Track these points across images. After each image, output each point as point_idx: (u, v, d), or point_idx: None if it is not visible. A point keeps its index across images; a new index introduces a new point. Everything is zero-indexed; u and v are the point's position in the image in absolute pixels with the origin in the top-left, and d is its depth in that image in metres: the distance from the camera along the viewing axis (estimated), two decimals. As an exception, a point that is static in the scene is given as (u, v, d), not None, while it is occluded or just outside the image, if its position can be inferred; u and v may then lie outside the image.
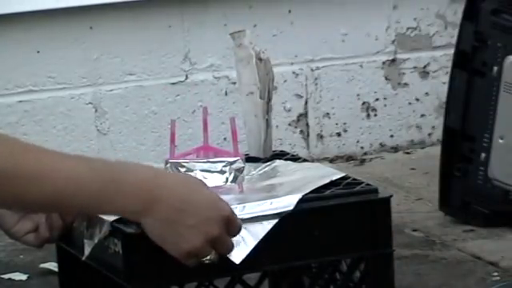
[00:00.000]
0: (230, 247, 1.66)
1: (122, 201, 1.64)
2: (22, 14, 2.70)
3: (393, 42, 2.93)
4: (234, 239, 1.66)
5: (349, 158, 2.86)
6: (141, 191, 1.66)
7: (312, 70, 2.87)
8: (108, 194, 1.65)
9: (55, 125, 2.29)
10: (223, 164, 1.82)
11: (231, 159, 1.81)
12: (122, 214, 1.64)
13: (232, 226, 1.65)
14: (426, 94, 2.90)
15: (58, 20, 2.75)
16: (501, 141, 2.43)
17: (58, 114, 2.50)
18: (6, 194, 1.60)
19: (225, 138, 2.42)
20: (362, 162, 2.85)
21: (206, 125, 1.83)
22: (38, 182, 1.62)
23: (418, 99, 2.93)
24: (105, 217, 1.68)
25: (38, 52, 2.70)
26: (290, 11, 2.88)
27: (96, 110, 2.73)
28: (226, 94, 2.62)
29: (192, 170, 1.79)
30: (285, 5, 2.87)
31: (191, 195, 1.68)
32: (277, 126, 2.43)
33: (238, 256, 1.69)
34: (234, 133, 1.78)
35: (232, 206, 1.69)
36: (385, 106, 2.94)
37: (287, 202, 1.71)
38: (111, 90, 2.72)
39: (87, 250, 1.73)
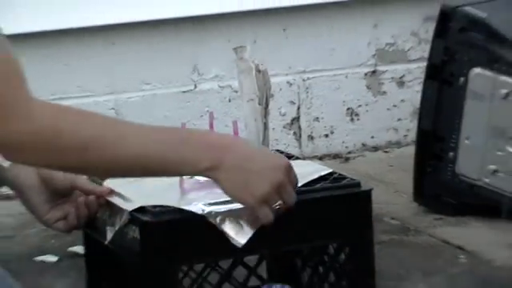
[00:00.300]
0: (293, 196, 1.63)
1: (194, 161, 1.62)
2: (52, 32, 2.70)
3: (373, 56, 2.93)
4: (236, 228, 1.66)
5: (335, 156, 2.86)
6: (210, 148, 1.63)
7: (304, 80, 2.88)
8: (181, 155, 1.63)
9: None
10: None
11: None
12: (195, 173, 1.64)
13: (292, 174, 1.64)
14: (402, 100, 2.90)
15: (85, 37, 2.75)
16: (466, 141, 2.44)
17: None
18: (98, 160, 1.59)
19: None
20: (347, 159, 2.86)
21: (212, 127, 1.84)
22: (123, 146, 1.61)
23: (395, 105, 2.93)
24: (124, 207, 1.70)
25: (66, 65, 2.68)
26: (284, 29, 2.88)
27: (117, 115, 2.71)
28: (230, 100, 2.61)
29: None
30: (280, 24, 2.87)
31: (253, 150, 1.70)
32: (273, 129, 2.42)
33: (240, 240, 1.67)
34: (236, 134, 1.78)
35: None
36: (366, 111, 2.94)
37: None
38: (130, 98, 2.72)
39: (109, 236, 1.74)
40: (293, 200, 1.62)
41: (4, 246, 2.32)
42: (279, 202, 1.60)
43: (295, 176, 1.64)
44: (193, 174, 1.64)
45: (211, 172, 1.59)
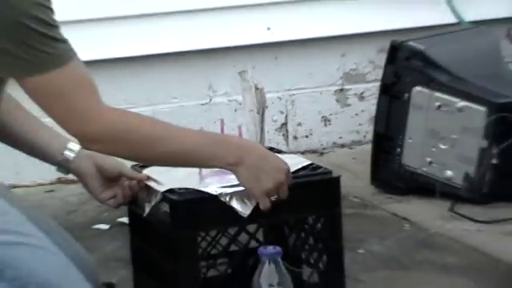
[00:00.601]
0: (286, 192, 1.63)
1: (220, 157, 1.61)
2: (107, 60, 2.70)
3: (341, 78, 2.93)
4: (241, 204, 1.66)
5: (313, 152, 2.87)
6: (234, 150, 1.62)
7: (290, 95, 2.88)
8: (211, 152, 1.62)
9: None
10: None
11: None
12: (222, 166, 1.62)
13: (290, 176, 1.64)
14: (362, 111, 2.90)
15: (130, 63, 2.76)
16: (409, 140, 2.47)
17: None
18: (151, 153, 1.60)
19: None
20: (322, 154, 2.87)
21: (222, 131, 1.84)
22: (170, 143, 1.61)
23: (357, 114, 2.93)
24: (158, 189, 1.69)
25: (116, 84, 2.69)
26: (276, 58, 2.87)
27: None
28: (236, 110, 2.62)
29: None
30: (273, 54, 2.87)
31: (266, 153, 1.67)
32: (267, 131, 2.41)
33: (244, 212, 1.67)
34: (240, 136, 1.79)
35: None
36: (336, 118, 2.94)
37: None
38: (163, 108, 2.71)
39: (147, 210, 1.76)
40: (285, 195, 1.62)
41: (69, 217, 2.33)
42: (276, 196, 1.62)
43: (291, 177, 1.65)
44: (219, 167, 1.63)
45: (233, 167, 1.60)
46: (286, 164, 1.66)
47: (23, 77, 1.49)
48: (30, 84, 1.49)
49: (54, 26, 1.49)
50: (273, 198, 1.62)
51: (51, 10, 1.50)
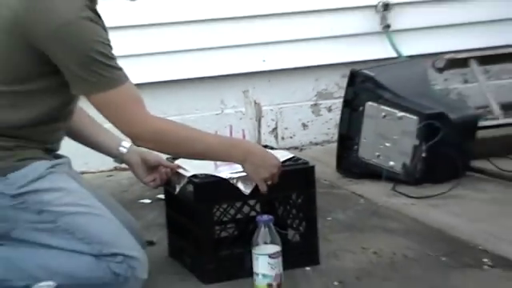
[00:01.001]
0: (277, 179, 1.63)
1: (233, 155, 1.61)
2: (154, 83, 2.68)
3: (315, 95, 2.92)
4: (244, 185, 1.66)
5: (296, 148, 2.86)
6: (242, 151, 1.62)
7: (279, 108, 2.88)
8: (227, 151, 1.62)
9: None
10: None
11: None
12: (233, 161, 1.63)
13: (280, 169, 1.63)
14: (330, 119, 2.90)
15: (166, 85, 2.73)
16: (364, 140, 2.46)
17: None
18: (183, 150, 1.62)
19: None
20: (301, 150, 2.86)
21: (231, 133, 1.84)
22: (196, 143, 1.61)
23: (326, 121, 2.93)
24: (185, 174, 1.69)
25: (154, 99, 2.68)
26: (269, 80, 2.86)
27: None
28: (241, 119, 2.61)
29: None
30: (267, 77, 2.85)
31: (264, 153, 1.66)
32: (263, 134, 2.42)
33: (246, 190, 1.66)
34: (244, 137, 1.78)
35: None
36: (312, 124, 2.93)
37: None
38: (189, 117, 2.68)
39: (177, 190, 1.77)
40: (276, 181, 1.63)
41: (122, 195, 2.32)
42: (270, 182, 1.62)
43: (281, 169, 1.64)
44: (231, 161, 1.64)
45: (241, 162, 1.60)
46: (278, 160, 1.65)
47: (89, 94, 1.49)
48: (93, 99, 1.50)
49: (112, 58, 1.49)
50: (268, 183, 1.62)
51: (110, 46, 1.50)
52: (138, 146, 1.58)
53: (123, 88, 1.49)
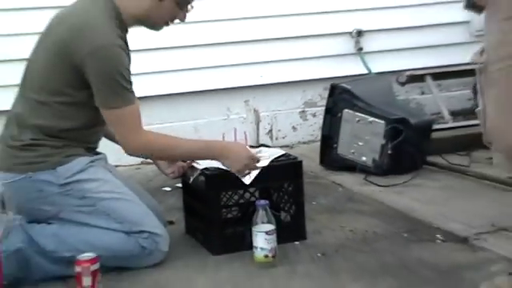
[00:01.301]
0: (255, 167, 1.61)
1: (210, 155, 1.60)
2: (173, 94, 2.65)
3: (303, 104, 2.92)
4: (245, 176, 1.63)
5: (287, 146, 2.84)
6: (218, 152, 1.59)
7: (274, 114, 2.87)
8: (204, 152, 1.61)
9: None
10: None
11: (246, 146, 1.78)
12: (211, 159, 1.61)
13: (253, 158, 1.61)
14: (315, 123, 2.89)
15: (183, 96, 2.70)
16: (342, 140, 2.45)
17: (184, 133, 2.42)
18: (170, 154, 1.60)
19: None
20: (292, 148, 2.84)
21: (235, 135, 1.84)
22: (177, 149, 1.59)
23: (311, 125, 2.92)
24: (198, 167, 1.67)
25: (175, 108, 2.69)
26: (266, 92, 2.83)
27: (195, 130, 2.70)
28: (243, 123, 2.61)
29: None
30: (264, 90, 2.82)
31: (236, 148, 1.63)
32: (261, 135, 2.41)
33: (247, 181, 1.65)
34: (246, 138, 1.76)
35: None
36: (300, 127, 2.93)
37: (266, 162, 1.67)
38: (201, 122, 2.69)
39: (191, 180, 1.75)
40: (255, 168, 1.60)
41: (148, 184, 2.31)
42: (247, 171, 1.60)
43: (255, 158, 1.61)
44: (210, 159, 1.62)
45: (218, 159, 1.59)
46: (248, 152, 1.61)
47: (104, 107, 1.50)
48: (105, 113, 1.51)
49: (129, 81, 1.51)
50: (247, 172, 1.60)
51: (130, 72, 1.52)
52: (129, 155, 1.55)
53: (129, 108, 1.49)
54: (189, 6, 1.57)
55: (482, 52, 1.22)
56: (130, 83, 1.50)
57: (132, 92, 1.50)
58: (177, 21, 1.59)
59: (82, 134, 1.56)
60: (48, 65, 1.49)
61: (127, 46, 1.54)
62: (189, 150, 1.60)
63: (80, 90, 1.49)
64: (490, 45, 1.20)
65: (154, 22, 1.58)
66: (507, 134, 1.19)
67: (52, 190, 1.49)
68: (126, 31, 1.55)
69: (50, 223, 1.53)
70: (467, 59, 1.41)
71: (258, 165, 1.62)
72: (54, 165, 1.49)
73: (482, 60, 1.21)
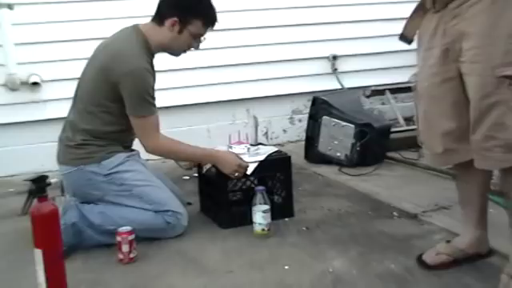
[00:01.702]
0: (242, 173, 1.59)
1: (211, 161, 1.59)
2: (188, 104, 2.61)
3: (291, 112, 2.87)
4: (248, 168, 1.62)
5: (279, 145, 2.79)
6: (212, 158, 1.59)
7: (269, 120, 2.83)
8: (203, 159, 1.61)
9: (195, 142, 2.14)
10: (245, 145, 1.77)
11: (247, 145, 1.77)
12: (209, 163, 1.61)
13: (242, 166, 1.60)
14: (301, 126, 2.82)
15: (197, 106, 2.64)
16: (321, 140, 2.43)
17: (195, 139, 2.31)
18: (177, 156, 1.69)
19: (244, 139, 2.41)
20: (283, 146, 2.80)
21: (239, 136, 1.82)
22: (184, 154, 1.61)
23: (298, 128, 2.88)
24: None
25: (196, 116, 2.60)
26: (263, 103, 2.77)
27: (208, 132, 2.67)
28: (245, 126, 2.56)
29: (233, 147, 1.73)
30: (261, 101, 2.76)
31: (227, 159, 1.61)
32: (259, 136, 2.38)
33: (248, 171, 1.65)
34: (247, 138, 1.76)
35: (249, 158, 1.66)
36: (289, 130, 2.88)
37: (263, 157, 1.68)
38: (212, 126, 2.65)
39: (205, 170, 1.72)
40: (242, 174, 1.58)
41: (173, 174, 2.28)
42: (236, 174, 1.59)
43: (243, 165, 1.58)
44: (207, 163, 1.61)
45: (213, 164, 1.58)
46: (236, 161, 1.58)
47: (132, 115, 1.52)
48: (132, 120, 1.53)
49: (153, 97, 1.54)
50: (236, 174, 1.59)
51: (153, 89, 1.54)
52: (147, 152, 1.56)
53: (151, 118, 1.52)
54: (202, 38, 1.58)
55: (415, 74, 1.25)
56: (154, 98, 1.53)
57: (154, 105, 1.54)
58: (192, 49, 1.59)
59: (120, 136, 1.58)
60: (93, 83, 1.53)
61: (153, 68, 1.56)
62: (191, 155, 1.61)
63: (114, 102, 1.52)
64: (418, 68, 1.25)
65: (175, 50, 1.59)
66: (430, 144, 1.24)
67: (98, 178, 1.53)
68: (153, 56, 1.57)
69: (97, 204, 1.57)
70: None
71: (248, 172, 1.62)
72: (100, 159, 1.53)
73: (415, 79, 1.25)
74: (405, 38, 1.22)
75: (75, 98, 1.59)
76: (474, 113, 1.12)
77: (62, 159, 1.56)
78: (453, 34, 1.12)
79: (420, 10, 1.18)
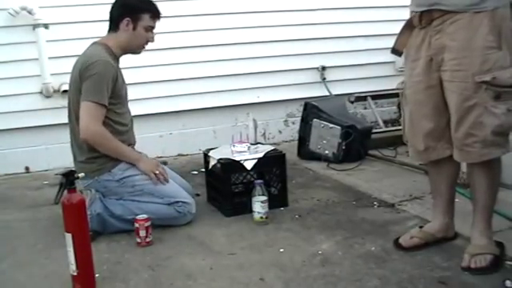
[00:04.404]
0: (161, 172, 1.50)
1: (132, 160, 1.50)
2: (196, 109, 2.57)
3: (286, 115, 2.85)
4: (248, 164, 1.60)
5: (275, 144, 2.77)
6: (137, 161, 1.53)
7: (266, 122, 2.81)
8: (129, 157, 1.51)
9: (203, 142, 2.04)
10: (246, 144, 1.75)
11: (247, 144, 1.76)
12: (132, 162, 1.49)
13: (159, 167, 1.53)
14: (294, 127, 2.80)
15: (206, 111, 2.62)
16: (312, 139, 2.41)
17: (203, 139, 2.22)
18: (104, 147, 1.47)
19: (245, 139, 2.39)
20: (278, 145, 2.79)
21: (241, 136, 1.80)
22: (113, 151, 1.49)
23: (292, 129, 2.86)
24: (215, 157, 1.64)
25: (198, 119, 2.57)
26: (261, 108, 2.77)
27: (214, 133, 2.63)
28: (245, 128, 2.53)
29: (236, 146, 1.70)
30: (260, 106, 2.71)
31: (146, 161, 1.55)
32: (258, 136, 2.37)
33: (249, 166, 1.63)
34: (248, 138, 1.76)
35: (250, 155, 1.65)
36: (284, 131, 2.86)
37: (261, 154, 1.67)
38: (218, 127, 2.61)
39: (211, 165, 1.69)
40: (162, 173, 1.50)
41: (182, 169, 2.26)
42: (157, 172, 1.50)
43: (160, 165, 1.51)
44: (131, 162, 1.49)
45: (136, 163, 1.50)
46: (155, 162, 1.53)
47: (83, 100, 1.45)
48: (82, 104, 1.44)
49: (108, 90, 1.44)
50: (156, 172, 1.50)
51: (112, 83, 1.45)
52: (83, 140, 1.45)
53: (98, 106, 1.44)
54: (153, 31, 1.51)
55: (402, 82, 1.28)
56: (108, 92, 1.46)
57: (106, 97, 1.45)
58: (149, 42, 1.53)
59: (120, 138, 1.53)
60: (76, 95, 1.49)
61: (118, 68, 1.51)
62: (119, 150, 1.48)
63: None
64: (406, 77, 1.28)
65: (134, 47, 1.54)
66: (414, 142, 1.27)
67: (113, 185, 1.54)
68: (118, 60, 1.54)
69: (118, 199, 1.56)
70: (394, 86, 1.42)
71: (248, 167, 1.58)
72: (110, 168, 1.52)
73: (402, 86, 1.27)
74: (396, 51, 1.24)
75: (69, 116, 1.53)
76: (456, 114, 1.15)
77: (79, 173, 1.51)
78: (436, 47, 1.16)
79: (408, 27, 1.21)
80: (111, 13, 1.52)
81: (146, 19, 1.50)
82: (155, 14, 1.51)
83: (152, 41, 1.55)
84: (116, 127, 1.52)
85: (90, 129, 1.44)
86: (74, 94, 1.50)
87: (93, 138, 1.46)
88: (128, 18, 1.49)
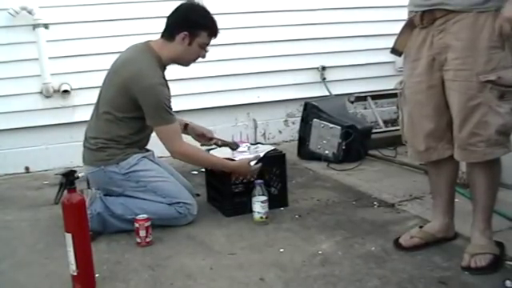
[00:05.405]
0: (253, 175, 1.60)
1: (226, 169, 1.56)
2: (205, 108, 2.56)
3: (286, 115, 2.84)
4: (253, 162, 1.61)
5: (275, 144, 2.75)
6: (231, 167, 1.60)
7: (266, 122, 2.79)
8: (222, 168, 1.57)
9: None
10: (246, 144, 1.77)
11: (247, 143, 1.76)
12: (228, 171, 1.57)
13: (252, 172, 1.60)
14: (294, 128, 2.79)
15: (209, 111, 2.61)
16: (312, 139, 2.41)
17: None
18: (200, 164, 1.62)
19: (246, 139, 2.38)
20: (278, 145, 2.78)
21: (241, 136, 1.82)
22: (205, 163, 1.60)
23: (292, 129, 2.85)
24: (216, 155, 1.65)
25: (204, 117, 2.50)
26: (261, 108, 2.77)
27: (214, 133, 2.63)
28: (246, 128, 2.56)
29: (238, 146, 1.70)
30: (260, 107, 2.70)
31: (240, 169, 1.60)
32: (258, 136, 2.37)
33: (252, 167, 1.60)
34: (248, 138, 1.76)
35: (250, 155, 1.65)
36: (284, 131, 2.85)
37: (262, 153, 1.67)
38: (219, 127, 2.51)
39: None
40: (253, 176, 1.57)
41: (183, 169, 2.24)
42: (249, 176, 1.59)
43: (253, 172, 1.58)
44: (227, 171, 1.56)
45: (233, 171, 1.56)
46: (249, 169, 1.58)
47: (153, 125, 1.52)
48: (155, 130, 1.53)
49: (170, 107, 1.51)
50: (248, 177, 1.59)
51: (169, 100, 1.53)
52: (174, 158, 1.56)
53: (171, 126, 1.51)
54: (207, 48, 1.58)
55: (401, 82, 1.28)
56: (170, 108, 1.52)
57: (172, 114, 1.53)
58: (200, 58, 1.58)
59: (135, 139, 1.58)
60: (114, 95, 1.53)
61: (166, 80, 1.57)
62: (211, 164, 1.59)
63: (132, 111, 1.53)
64: (405, 77, 1.27)
65: (185, 61, 1.59)
66: (414, 143, 1.27)
67: (117, 177, 1.55)
68: (165, 69, 1.59)
69: (118, 197, 1.57)
70: (393, 86, 1.43)
71: (252, 168, 1.59)
72: (118, 160, 1.54)
73: (401, 86, 1.28)
74: (396, 51, 1.24)
75: (97, 105, 1.58)
76: (460, 113, 1.15)
77: (87, 160, 1.57)
78: (439, 46, 1.16)
79: (408, 27, 1.21)
80: (169, 19, 1.52)
81: (203, 36, 1.52)
82: (213, 33, 1.53)
83: (203, 57, 1.57)
84: (134, 129, 1.56)
85: (176, 151, 1.51)
86: (113, 92, 1.51)
87: (183, 158, 1.58)
88: (186, 33, 1.50)
